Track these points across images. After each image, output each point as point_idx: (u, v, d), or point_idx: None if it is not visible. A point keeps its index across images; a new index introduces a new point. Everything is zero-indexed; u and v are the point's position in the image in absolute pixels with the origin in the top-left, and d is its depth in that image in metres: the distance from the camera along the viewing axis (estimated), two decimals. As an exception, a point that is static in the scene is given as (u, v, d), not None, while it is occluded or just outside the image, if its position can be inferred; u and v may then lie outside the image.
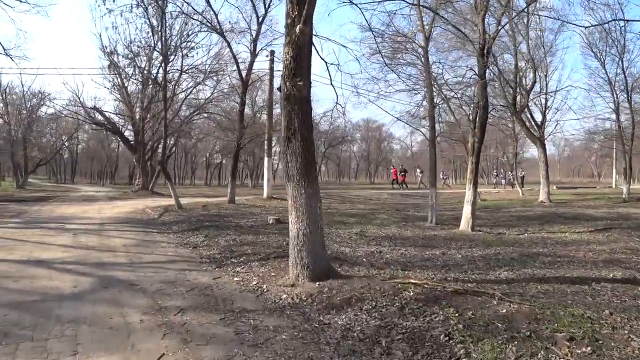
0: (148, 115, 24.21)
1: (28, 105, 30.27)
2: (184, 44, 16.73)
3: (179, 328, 3.57)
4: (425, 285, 4.38)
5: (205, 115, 25.32)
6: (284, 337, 3.43)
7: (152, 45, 17.74)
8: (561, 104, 30.43)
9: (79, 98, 25.35)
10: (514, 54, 18.89)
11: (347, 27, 39.75)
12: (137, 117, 24.36)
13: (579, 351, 3.04)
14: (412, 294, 4.18)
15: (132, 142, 25.90)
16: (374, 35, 8.45)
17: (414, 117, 13.26)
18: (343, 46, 6.92)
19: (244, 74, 17.21)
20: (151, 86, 22.83)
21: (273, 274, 5.39)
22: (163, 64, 15.97)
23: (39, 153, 33.06)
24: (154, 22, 17.06)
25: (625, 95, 21.89)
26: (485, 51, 9.89)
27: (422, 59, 11.89)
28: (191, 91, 23.14)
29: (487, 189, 36.17)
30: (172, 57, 17.01)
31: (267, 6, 16.91)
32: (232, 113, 25.43)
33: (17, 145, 28.51)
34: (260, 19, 16.90)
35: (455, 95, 11.47)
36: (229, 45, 16.68)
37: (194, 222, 10.60)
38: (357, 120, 53.99)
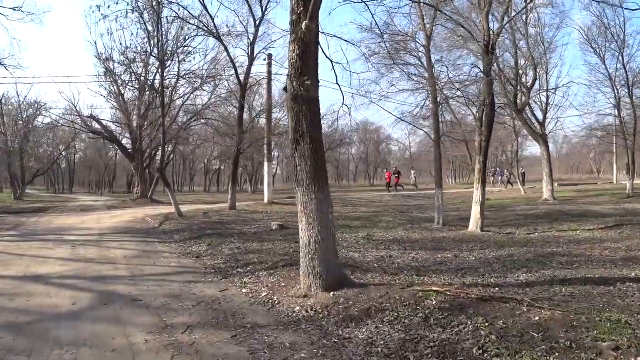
0: (145, 123, 23.94)
1: (24, 116, 29.97)
2: (181, 49, 16.50)
3: (187, 349, 3.29)
4: (448, 293, 4.11)
5: (203, 121, 25.07)
6: (302, 355, 3.16)
7: (149, 50, 17.50)
8: (562, 100, 30.19)
9: (76, 107, 25.11)
10: (514, 51, 18.72)
11: (346, 28, 39.64)
12: (135, 124, 24.08)
13: (628, 362, 2.79)
14: (434, 302, 3.92)
15: (129, 150, 25.59)
16: (382, 32, 8.18)
17: (416, 117, 13.00)
18: (352, 43, 6.69)
19: (242, 78, 16.99)
20: (148, 93, 22.58)
21: (283, 284, 5.11)
22: (160, 70, 15.72)
23: (36, 163, 32.70)
24: (150, 28, 16.84)
25: (627, 91, 21.72)
26: (490, 48, 9.69)
27: (425, 57, 11.69)
28: (189, 97, 22.94)
29: (489, 188, 35.84)
30: (169, 62, 16.78)
31: (264, 9, 16.74)
32: (230, 118, 25.19)
33: (14, 156, 28.19)
34: (258, 22, 16.73)
35: (460, 94, 11.21)
36: (226, 49, 16.47)
37: (196, 230, 10.32)
38: (355, 122, 53.61)
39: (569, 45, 36.48)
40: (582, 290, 4.90)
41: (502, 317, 3.57)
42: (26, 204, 23.19)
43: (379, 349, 3.21)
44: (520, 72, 19.48)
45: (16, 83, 30.96)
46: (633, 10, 20.29)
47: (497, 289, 4.78)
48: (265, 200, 18.37)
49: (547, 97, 21.16)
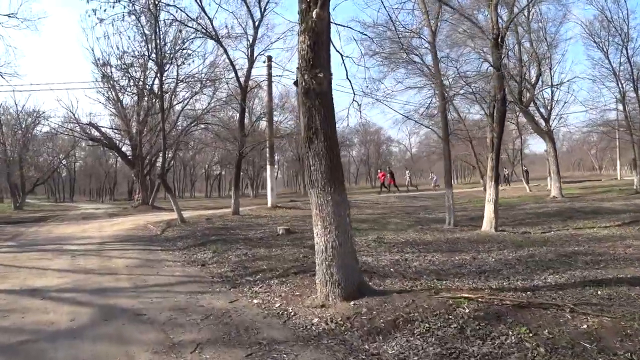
0: (145, 129, 23.63)
1: (23, 125, 29.71)
2: (179, 52, 16.18)
3: (198, 370, 2.94)
4: (480, 300, 3.76)
5: (203, 126, 24.75)
6: (328, 376, 2.81)
7: (147, 54, 17.18)
8: (567, 96, 29.90)
9: (74, 114, 24.81)
10: (517, 47, 18.42)
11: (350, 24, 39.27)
12: (134, 130, 23.77)
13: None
14: (467, 310, 3.57)
15: (129, 157, 25.27)
16: (395, 26, 7.84)
17: (423, 116, 12.67)
18: (365, 34, 6.37)
19: (242, 80, 16.68)
20: (147, 98, 22.27)
21: (297, 293, 4.74)
22: (159, 74, 15.40)
23: (36, 173, 32.47)
24: (147, 31, 16.53)
25: (632, 85, 21.39)
26: (499, 41, 9.38)
27: (430, 54, 11.37)
28: (188, 101, 22.63)
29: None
30: (168, 66, 16.46)
31: (262, 10, 16.42)
32: (230, 123, 24.86)
33: (14, 165, 27.96)
34: (257, 23, 16.40)
35: (470, 90, 10.88)
36: (225, 51, 16.15)
37: (200, 236, 9.97)
38: (354, 124, 53.14)
39: (571, 40, 35.86)
40: (619, 291, 4.55)
41: (545, 326, 3.22)
42: (26, 214, 22.87)
43: (414, 366, 2.86)
44: (524, 68, 19.18)
45: (13, 91, 30.90)
46: None
47: (529, 293, 4.43)
48: (269, 204, 18.01)
49: (552, 93, 20.88)
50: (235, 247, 8.14)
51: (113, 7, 11.49)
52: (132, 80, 21.47)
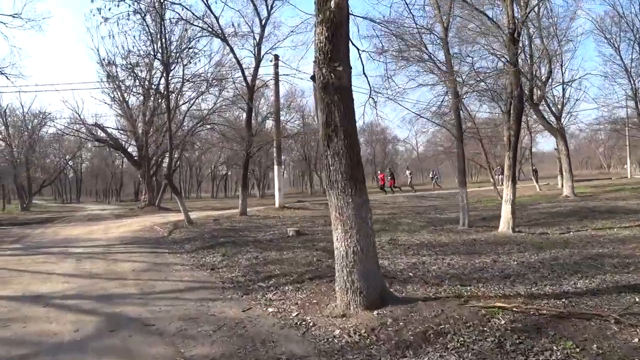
0: (151, 129, 23.46)
1: (29, 126, 29.71)
2: (185, 51, 15.96)
3: (213, 391, 2.68)
4: (515, 309, 3.47)
5: (209, 126, 24.55)
6: (357, 398, 2.54)
7: (153, 53, 16.98)
8: (579, 93, 29.41)
9: (80, 115, 24.69)
10: (527, 43, 18.04)
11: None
12: (140, 131, 23.61)
13: None
14: (503, 322, 3.28)
15: (136, 158, 25.12)
16: (414, 18, 7.50)
17: (435, 114, 12.33)
18: (383, 24, 6.07)
19: (249, 79, 16.45)
20: (153, 98, 22.10)
21: (314, 300, 4.46)
22: (165, 73, 15.19)
23: (42, 174, 32.51)
24: (152, 30, 16.34)
25: (644, 81, 20.94)
26: (515, 36, 9.05)
27: (442, 50, 11.06)
28: (194, 101, 22.43)
29: (499, 187, 34.96)
30: (174, 65, 16.24)
31: (269, 8, 16.17)
32: (236, 123, 24.63)
33: (20, 167, 27.96)
34: (264, 21, 16.16)
35: (485, 86, 10.55)
36: (231, 50, 15.91)
37: (208, 238, 9.73)
38: (360, 124, 52.75)
39: (582, 36, 34.94)
40: (659, 298, 4.25)
41: (592, 340, 2.94)
42: (33, 215, 22.80)
43: (451, 387, 2.58)
44: (535, 65, 18.80)
45: (19, 92, 30.89)
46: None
47: (564, 300, 4.13)
48: (277, 205, 17.76)
49: (564, 90, 20.48)
50: (245, 250, 7.90)
51: (118, 5, 11.33)
52: (137, 80, 21.31)
